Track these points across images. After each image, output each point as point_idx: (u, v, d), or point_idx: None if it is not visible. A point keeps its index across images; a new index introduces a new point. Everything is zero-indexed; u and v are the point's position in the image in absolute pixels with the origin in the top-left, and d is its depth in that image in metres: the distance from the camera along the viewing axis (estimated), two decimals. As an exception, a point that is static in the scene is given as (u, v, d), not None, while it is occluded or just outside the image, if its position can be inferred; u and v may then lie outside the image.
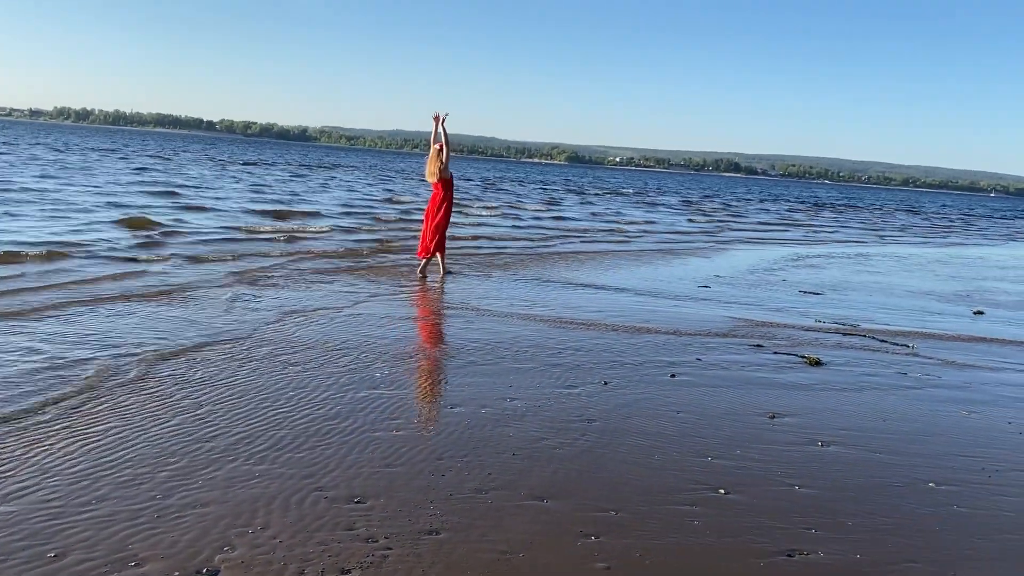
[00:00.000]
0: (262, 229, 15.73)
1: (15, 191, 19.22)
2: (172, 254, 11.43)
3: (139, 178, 28.58)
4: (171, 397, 5.08)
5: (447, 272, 11.23)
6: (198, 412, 4.84)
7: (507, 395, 5.61)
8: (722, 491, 4.19)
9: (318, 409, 5.05)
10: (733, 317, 9.13)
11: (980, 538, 3.88)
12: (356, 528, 3.52)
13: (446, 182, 10.99)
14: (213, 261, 11.10)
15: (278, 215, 18.89)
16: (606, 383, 6.09)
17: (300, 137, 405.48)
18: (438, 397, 5.50)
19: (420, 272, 11.03)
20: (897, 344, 8.22)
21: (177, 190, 23.70)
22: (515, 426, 4.98)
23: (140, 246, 12.16)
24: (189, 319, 7.27)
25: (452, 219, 11.53)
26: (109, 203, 18.24)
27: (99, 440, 4.32)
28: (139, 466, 4.02)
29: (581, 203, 35.80)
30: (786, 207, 49.85)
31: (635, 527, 3.72)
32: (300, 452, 4.34)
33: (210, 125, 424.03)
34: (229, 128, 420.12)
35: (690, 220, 29.79)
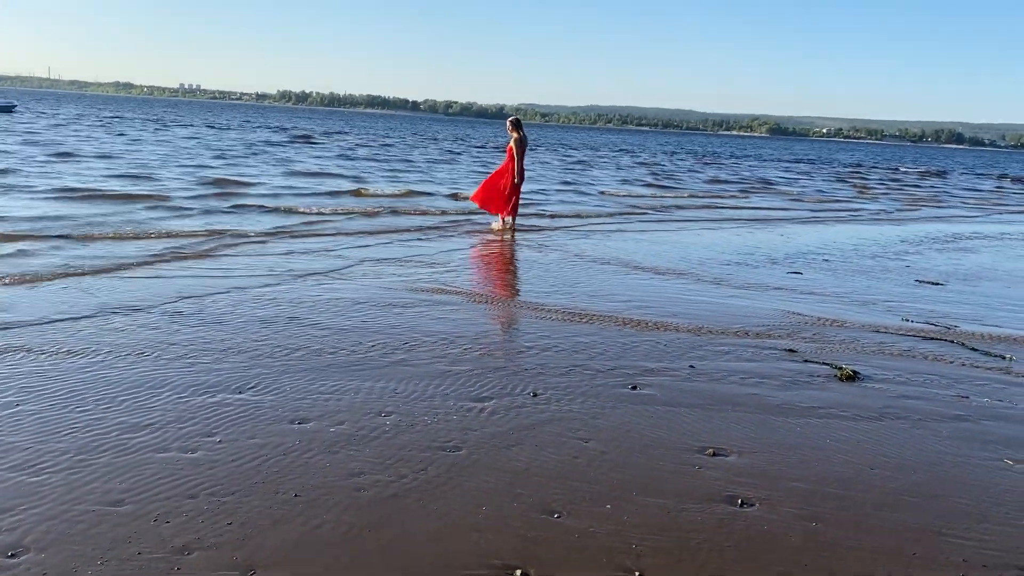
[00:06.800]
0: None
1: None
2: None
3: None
4: (-18, 396, 4.47)
5: (514, 229, 12.49)
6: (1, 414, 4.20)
7: (385, 408, 4.58)
8: (519, 572, 2.98)
9: (138, 416, 4.26)
10: (792, 312, 7.49)
11: None
12: (-47, 598, 2.68)
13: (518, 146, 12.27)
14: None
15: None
16: (535, 395, 4.92)
17: (497, 115, 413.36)
18: (297, 407, 4.54)
19: (501, 227, 12.48)
20: (991, 355, 6.34)
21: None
22: (347, 453, 3.96)
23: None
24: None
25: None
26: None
27: None
28: None
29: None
30: None
31: (328, 627, 2.63)
32: (38, 476, 3.55)
33: (415, 105, 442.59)
34: (432, 108, 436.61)
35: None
